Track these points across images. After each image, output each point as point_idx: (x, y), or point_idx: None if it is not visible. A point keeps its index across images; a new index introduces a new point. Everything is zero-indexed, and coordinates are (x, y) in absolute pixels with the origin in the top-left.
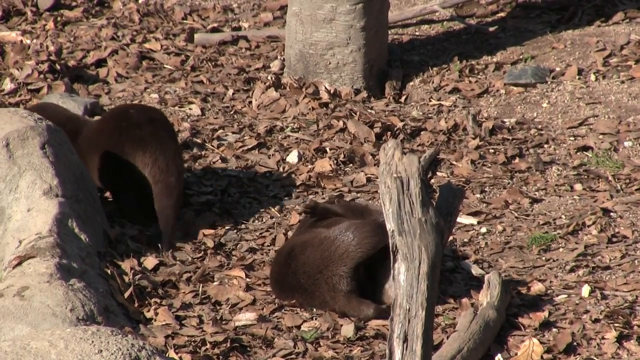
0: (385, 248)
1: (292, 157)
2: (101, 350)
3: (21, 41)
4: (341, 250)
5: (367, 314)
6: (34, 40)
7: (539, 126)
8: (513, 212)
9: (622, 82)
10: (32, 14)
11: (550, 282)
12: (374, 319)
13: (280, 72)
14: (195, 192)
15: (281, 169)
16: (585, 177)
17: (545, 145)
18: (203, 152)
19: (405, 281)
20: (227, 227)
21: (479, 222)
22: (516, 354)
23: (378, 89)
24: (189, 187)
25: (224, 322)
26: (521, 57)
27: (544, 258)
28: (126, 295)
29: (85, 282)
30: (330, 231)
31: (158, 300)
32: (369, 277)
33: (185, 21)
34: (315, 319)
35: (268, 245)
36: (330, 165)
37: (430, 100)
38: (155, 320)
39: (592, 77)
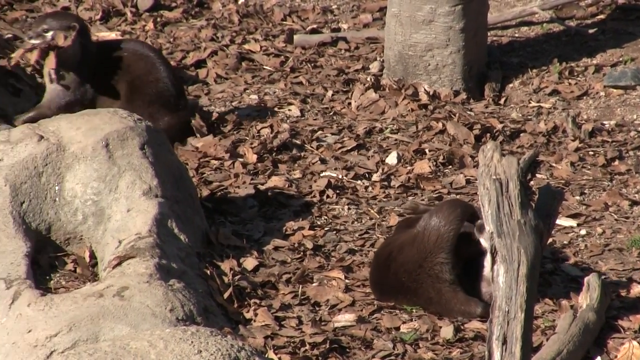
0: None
1: (392, 159)
2: (200, 351)
3: None
4: (434, 237)
5: (475, 311)
6: None
7: (639, 128)
8: (613, 214)
9: None
10: (131, 14)
11: None
12: (480, 318)
13: (379, 74)
14: (295, 193)
15: (380, 171)
16: None
17: None
18: (302, 154)
19: (504, 283)
20: (326, 229)
21: (578, 224)
22: (615, 357)
23: (477, 91)
24: (287, 188)
25: (323, 323)
26: (621, 59)
27: None
28: (225, 295)
29: (185, 283)
30: (418, 225)
31: (257, 301)
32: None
33: (284, 22)
34: (415, 320)
35: (367, 247)
36: (430, 166)
37: (529, 102)
38: (254, 321)
39: None
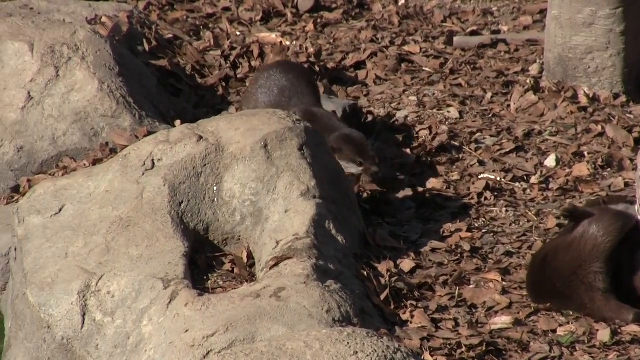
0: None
1: (550, 161)
2: (357, 352)
3: (281, 42)
4: (590, 245)
5: (627, 319)
6: (294, 42)
7: None
8: None
9: None
10: (292, 15)
11: None
12: (633, 324)
13: (539, 76)
14: (453, 195)
15: (539, 173)
16: None
17: None
18: (460, 155)
19: None
20: (483, 231)
21: None
22: None
23: (637, 94)
24: (445, 190)
25: (479, 325)
26: None
27: None
28: (382, 297)
29: (342, 284)
30: (575, 231)
31: (414, 303)
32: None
33: (444, 24)
34: (571, 323)
35: (525, 249)
36: (588, 169)
37: None
38: (410, 323)
39: None
